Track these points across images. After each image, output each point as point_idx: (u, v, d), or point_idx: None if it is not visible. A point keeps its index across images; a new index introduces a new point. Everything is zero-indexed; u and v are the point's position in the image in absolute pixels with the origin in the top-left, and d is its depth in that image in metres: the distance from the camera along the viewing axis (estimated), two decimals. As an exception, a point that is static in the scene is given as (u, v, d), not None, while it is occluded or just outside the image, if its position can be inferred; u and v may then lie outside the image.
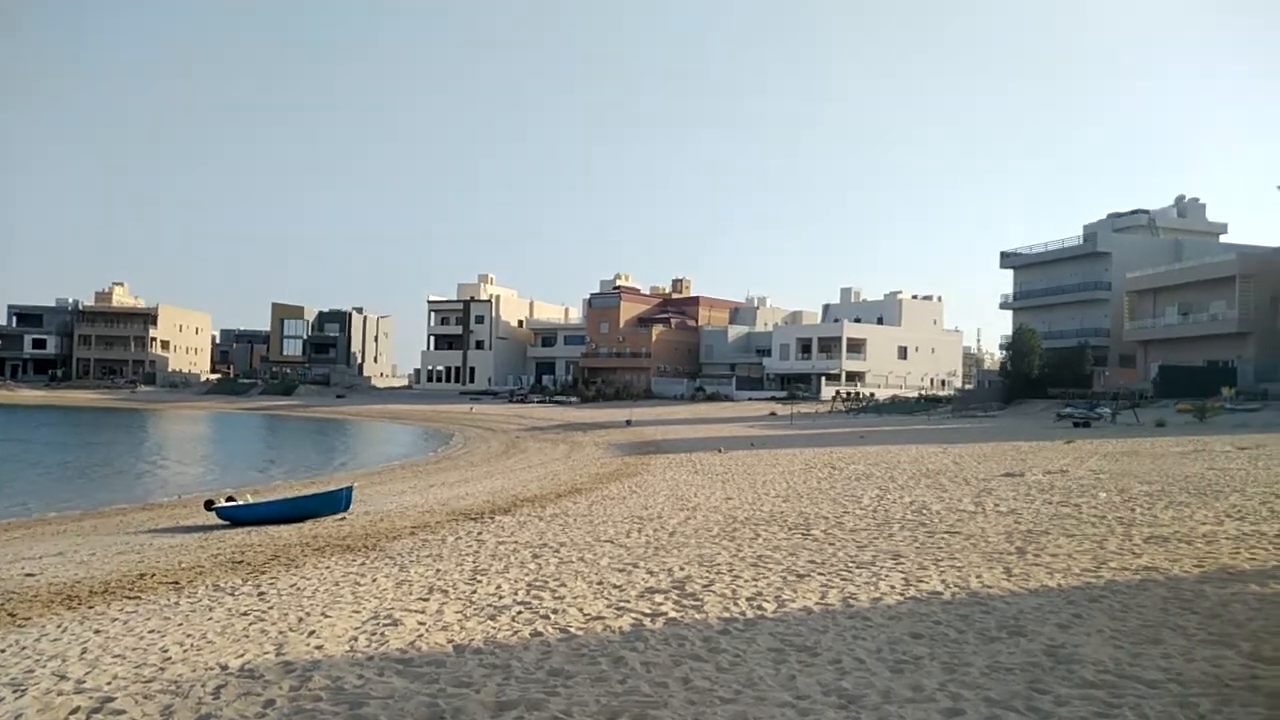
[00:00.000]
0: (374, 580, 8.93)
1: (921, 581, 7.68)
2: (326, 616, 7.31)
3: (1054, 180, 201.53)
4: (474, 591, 8.07)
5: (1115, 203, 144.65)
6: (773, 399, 72.08)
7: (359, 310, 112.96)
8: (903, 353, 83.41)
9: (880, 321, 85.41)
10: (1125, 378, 58.60)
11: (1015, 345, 60.53)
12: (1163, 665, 5.13)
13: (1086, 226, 74.22)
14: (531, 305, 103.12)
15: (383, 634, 6.63)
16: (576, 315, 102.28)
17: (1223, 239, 72.03)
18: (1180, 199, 79.74)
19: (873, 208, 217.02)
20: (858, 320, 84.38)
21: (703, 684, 5.17)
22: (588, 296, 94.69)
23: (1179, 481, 15.54)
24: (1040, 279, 71.07)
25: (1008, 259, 74.02)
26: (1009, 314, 72.96)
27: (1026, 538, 9.76)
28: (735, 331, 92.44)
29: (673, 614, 6.90)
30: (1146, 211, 76.33)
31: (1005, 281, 73.94)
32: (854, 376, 78.40)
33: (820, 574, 8.25)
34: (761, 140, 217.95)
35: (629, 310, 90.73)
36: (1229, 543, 9.37)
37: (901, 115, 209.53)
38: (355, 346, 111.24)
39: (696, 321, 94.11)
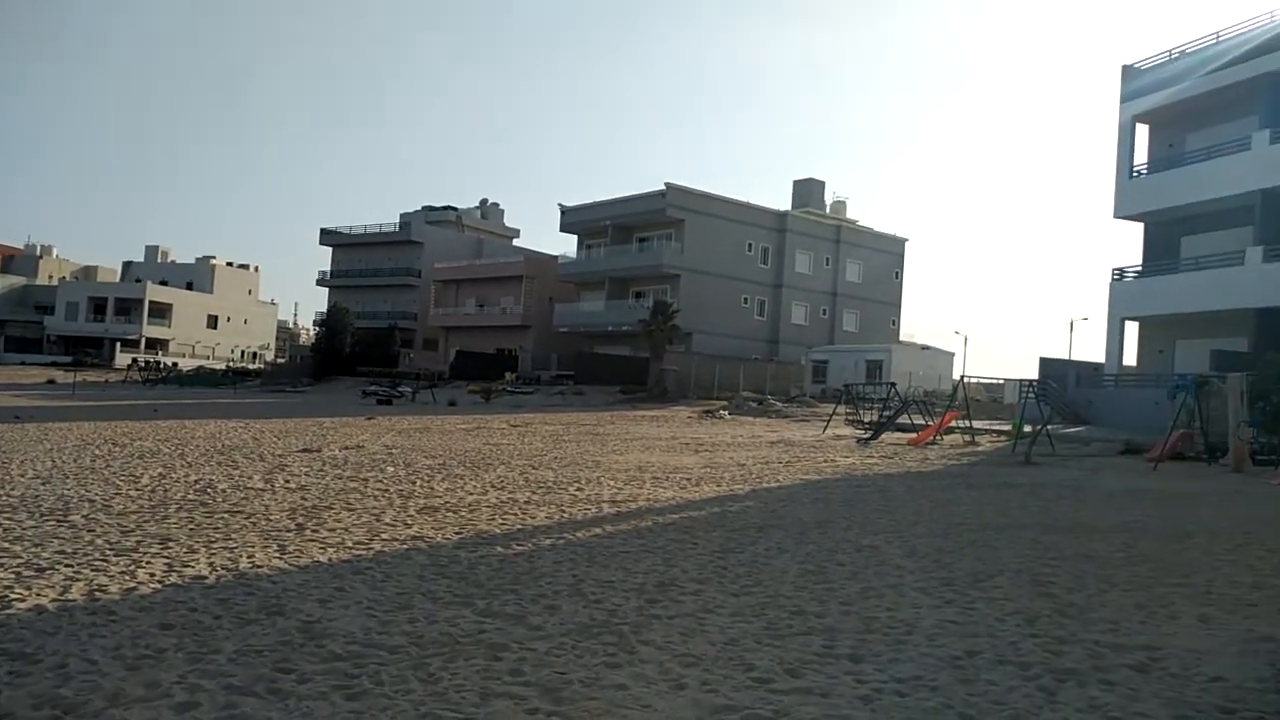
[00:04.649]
0: None
1: (187, 566, 7.16)
2: None
3: (372, 167, 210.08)
4: None
5: (430, 196, 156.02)
6: (54, 364, 62.76)
7: None
8: (213, 322, 79.27)
9: (190, 287, 79.95)
10: (428, 360, 63.49)
11: (329, 322, 61.66)
12: (408, 630, 5.45)
13: (403, 215, 78.64)
14: None
15: None
16: None
17: (515, 243, 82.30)
18: (484, 202, 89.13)
19: (185, 162, 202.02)
20: (164, 283, 77.80)
21: None
22: None
23: (459, 456, 17.16)
24: (358, 260, 73.41)
25: (328, 236, 74.95)
26: (326, 291, 73.93)
27: (309, 514, 9.79)
28: (8, 282, 78.41)
29: None
30: (456, 209, 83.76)
31: (325, 258, 74.73)
32: (156, 344, 72.17)
33: (68, 565, 7.19)
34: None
35: None
36: (489, 510, 10.53)
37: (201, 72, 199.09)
38: None
39: (-45, 267, 77.69)
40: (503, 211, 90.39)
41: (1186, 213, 32.98)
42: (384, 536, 8.62)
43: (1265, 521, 11.52)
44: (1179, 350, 33.77)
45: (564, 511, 10.64)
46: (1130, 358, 35.62)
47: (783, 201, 64.29)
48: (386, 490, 11.90)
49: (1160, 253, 34.59)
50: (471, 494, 11.86)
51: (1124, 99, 34.76)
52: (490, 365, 57.57)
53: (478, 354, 60.41)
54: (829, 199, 68.15)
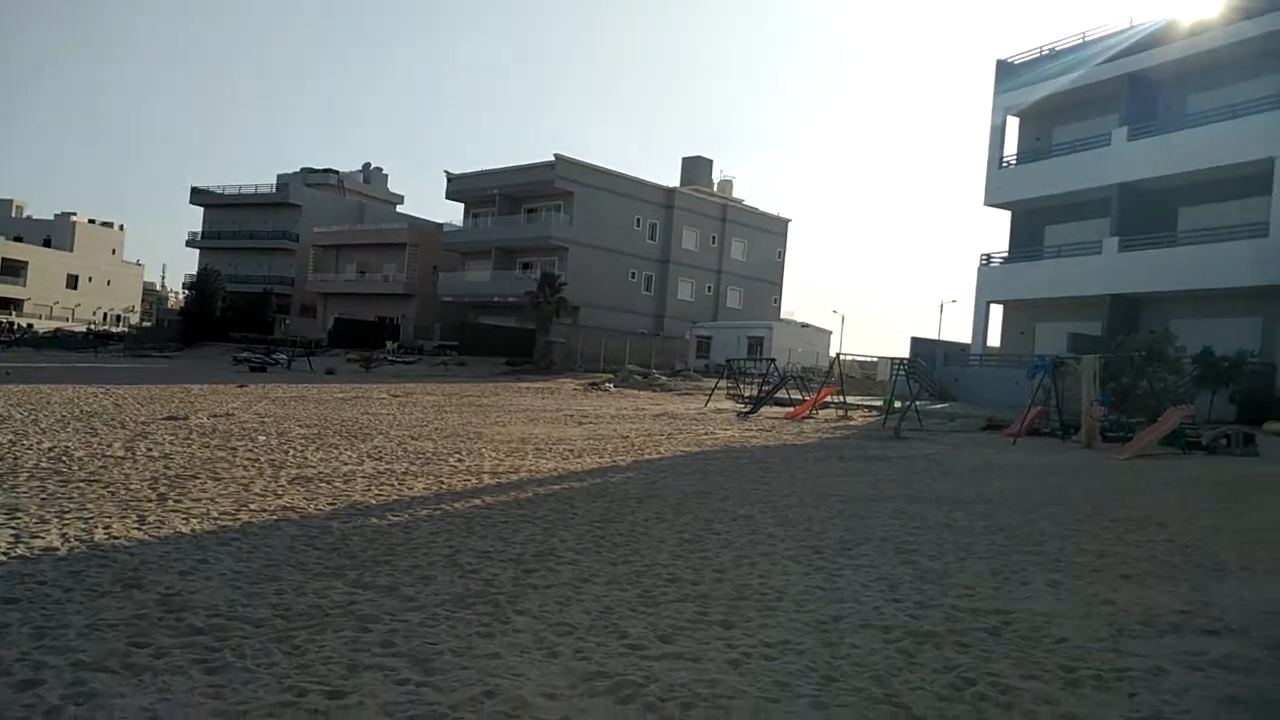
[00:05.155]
0: None
1: (37, 537, 6.76)
2: None
3: (250, 127, 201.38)
4: None
5: (311, 160, 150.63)
6: (-110, 323, 58.35)
7: None
8: (73, 282, 74.88)
9: (48, 244, 75.14)
10: (305, 327, 61.54)
11: (199, 285, 59.07)
12: (274, 602, 5.28)
13: (280, 176, 75.64)
14: None
15: None
16: None
17: (400, 209, 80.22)
18: (367, 166, 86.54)
19: (44, 111, 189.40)
20: (19, 239, 72.92)
21: None
22: None
23: (335, 425, 16.72)
24: (232, 221, 70.38)
25: (199, 195, 71.53)
26: (196, 253, 70.68)
27: (173, 483, 9.38)
28: None
29: None
30: (337, 172, 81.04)
31: (196, 219, 71.31)
32: (10, 304, 67.80)
33: (-100, 538, 6.71)
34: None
35: None
36: (364, 480, 10.30)
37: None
38: None
39: None
40: (386, 176, 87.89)
41: (1051, 203, 34.68)
42: (252, 507, 8.34)
43: (1111, 494, 12.28)
44: (1039, 332, 35.60)
45: (442, 482, 10.50)
46: (995, 339, 37.39)
47: (671, 178, 64.64)
48: (257, 459, 11.50)
49: (1026, 240, 36.31)
50: (347, 464, 11.58)
51: (998, 93, 36.21)
52: (371, 333, 56.19)
53: (358, 322, 58.83)
54: (716, 177, 68.85)
